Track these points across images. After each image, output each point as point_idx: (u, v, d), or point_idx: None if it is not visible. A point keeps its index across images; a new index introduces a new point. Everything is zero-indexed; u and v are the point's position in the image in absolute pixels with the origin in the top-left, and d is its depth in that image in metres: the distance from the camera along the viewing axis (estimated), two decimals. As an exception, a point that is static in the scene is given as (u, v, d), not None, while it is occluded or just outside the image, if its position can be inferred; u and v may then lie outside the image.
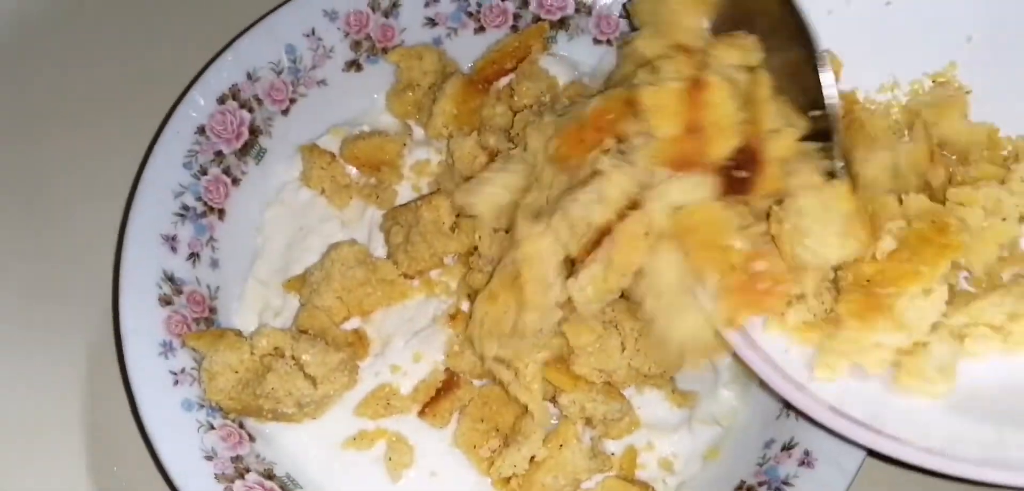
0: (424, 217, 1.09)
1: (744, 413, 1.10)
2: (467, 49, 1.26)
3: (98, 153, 1.27)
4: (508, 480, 1.02)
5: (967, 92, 1.09)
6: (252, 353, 1.03)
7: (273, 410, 1.02)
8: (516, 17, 1.26)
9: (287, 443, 1.05)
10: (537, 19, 1.25)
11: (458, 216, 1.09)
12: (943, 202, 0.99)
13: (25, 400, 1.14)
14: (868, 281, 0.93)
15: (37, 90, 1.32)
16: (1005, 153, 1.07)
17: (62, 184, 1.26)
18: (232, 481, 0.99)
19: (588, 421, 1.03)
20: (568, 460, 1.00)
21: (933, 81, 1.11)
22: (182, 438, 1.00)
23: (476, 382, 1.06)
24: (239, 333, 1.07)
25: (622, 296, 0.98)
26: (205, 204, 1.13)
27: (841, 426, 0.88)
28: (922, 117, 1.07)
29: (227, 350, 1.02)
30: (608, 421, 1.03)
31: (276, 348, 1.03)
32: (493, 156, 1.10)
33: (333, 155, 1.19)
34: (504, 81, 1.21)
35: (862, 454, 1.00)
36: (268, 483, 1.01)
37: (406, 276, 1.11)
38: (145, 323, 1.04)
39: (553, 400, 1.05)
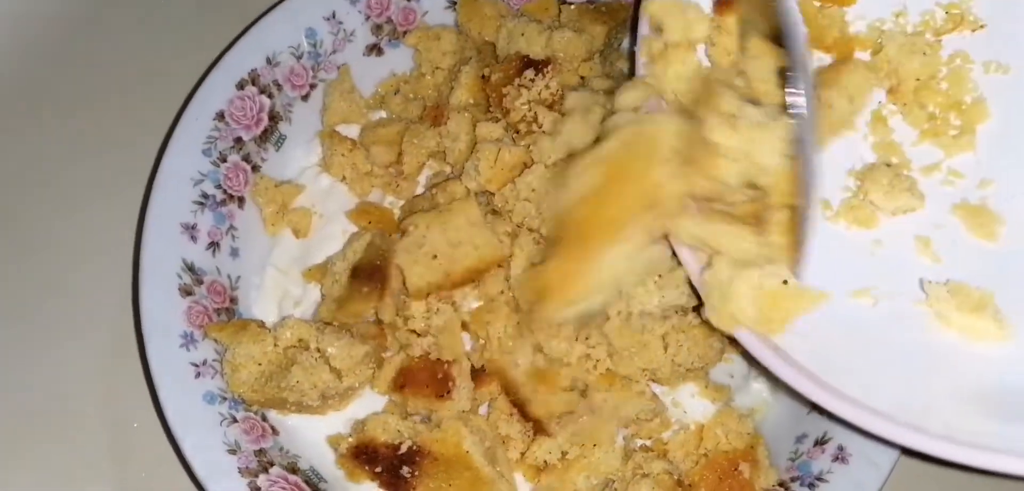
0: (441, 205, 1.07)
1: (776, 406, 1.08)
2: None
3: (116, 142, 1.25)
4: (539, 470, 1.01)
5: (981, 26, 1.03)
6: (276, 345, 1.01)
7: (297, 402, 1.00)
8: (539, -3, 1.23)
9: (311, 436, 1.04)
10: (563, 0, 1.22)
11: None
12: None
13: (46, 395, 1.12)
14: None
15: (53, 79, 1.30)
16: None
17: (79, 174, 1.24)
18: (256, 475, 0.97)
19: (620, 420, 1.01)
20: (601, 460, 0.98)
21: (946, 11, 1.04)
22: (205, 432, 0.98)
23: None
24: (262, 324, 1.05)
25: None
26: (225, 192, 1.11)
27: (782, 371, 0.84)
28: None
29: (250, 342, 1.00)
30: (640, 420, 1.01)
31: (300, 340, 1.01)
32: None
33: (354, 142, 1.17)
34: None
35: (897, 452, 0.98)
36: (292, 477, 0.99)
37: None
38: (166, 314, 1.02)
39: (583, 394, 1.03)
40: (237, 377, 1.00)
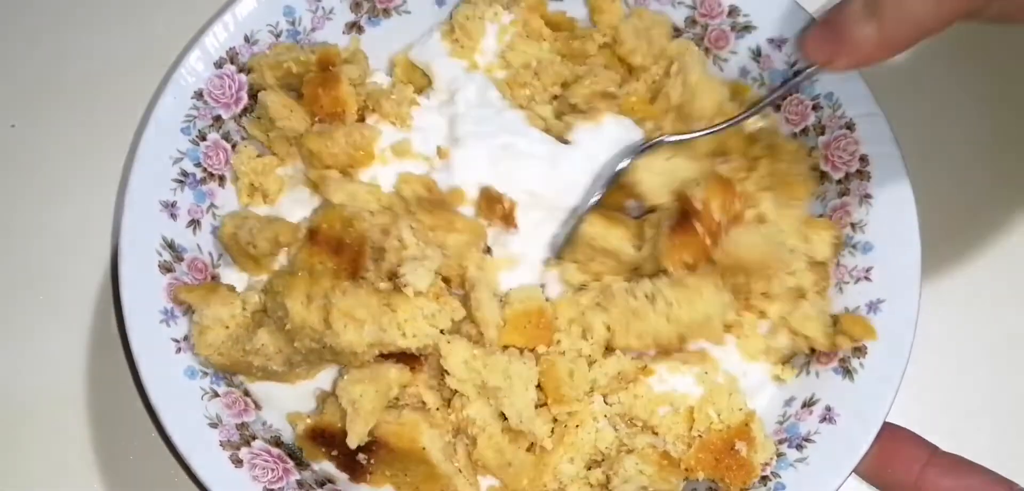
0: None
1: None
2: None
3: (94, 122, 1.24)
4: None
5: None
6: (243, 309, 1.00)
7: (263, 368, 0.99)
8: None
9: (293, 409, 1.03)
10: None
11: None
12: None
13: (28, 377, 1.12)
14: None
15: (29, 61, 1.28)
16: None
17: (58, 154, 1.23)
18: (238, 448, 0.97)
19: (600, 391, 0.98)
20: (584, 440, 0.96)
21: None
22: (186, 406, 0.98)
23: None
24: (232, 288, 1.04)
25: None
26: (205, 170, 1.10)
27: None
28: None
29: (219, 305, 1.00)
30: (620, 378, 0.98)
31: (267, 305, 1.00)
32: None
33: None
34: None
35: (886, 408, 0.97)
36: (275, 450, 0.98)
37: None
38: (145, 291, 1.02)
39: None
40: (204, 339, 0.99)
